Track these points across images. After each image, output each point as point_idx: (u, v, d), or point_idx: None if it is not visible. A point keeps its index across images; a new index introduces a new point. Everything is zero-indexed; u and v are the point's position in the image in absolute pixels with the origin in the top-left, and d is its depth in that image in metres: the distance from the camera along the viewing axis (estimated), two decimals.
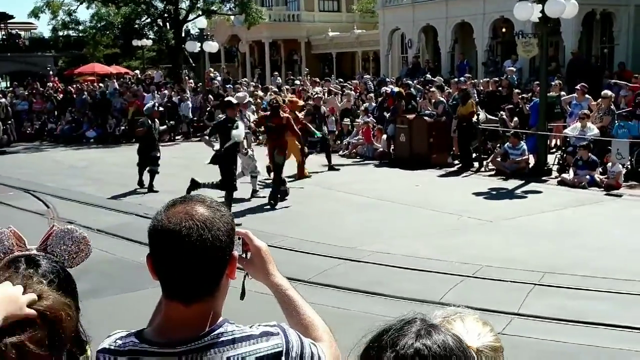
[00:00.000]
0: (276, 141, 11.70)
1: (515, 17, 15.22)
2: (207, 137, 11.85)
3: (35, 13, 31.84)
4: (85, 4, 31.64)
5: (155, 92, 24.59)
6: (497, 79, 19.18)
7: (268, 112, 12.41)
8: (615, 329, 5.96)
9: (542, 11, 13.35)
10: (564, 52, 23.12)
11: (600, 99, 14.56)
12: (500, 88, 17.67)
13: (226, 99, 12.36)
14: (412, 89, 18.23)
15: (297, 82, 25.89)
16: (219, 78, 28.73)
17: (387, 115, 17.26)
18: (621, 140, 12.84)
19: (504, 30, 26.25)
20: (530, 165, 14.03)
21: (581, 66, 20.58)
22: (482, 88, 19.10)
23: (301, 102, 15.48)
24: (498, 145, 15.14)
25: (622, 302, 6.62)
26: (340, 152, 17.74)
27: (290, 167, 13.29)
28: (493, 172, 14.27)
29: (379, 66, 31.95)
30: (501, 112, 15.57)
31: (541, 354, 5.62)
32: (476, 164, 14.99)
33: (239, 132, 10.81)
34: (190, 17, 31.36)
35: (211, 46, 24.23)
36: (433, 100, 16.72)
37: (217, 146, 11.04)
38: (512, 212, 10.68)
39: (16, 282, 1.54)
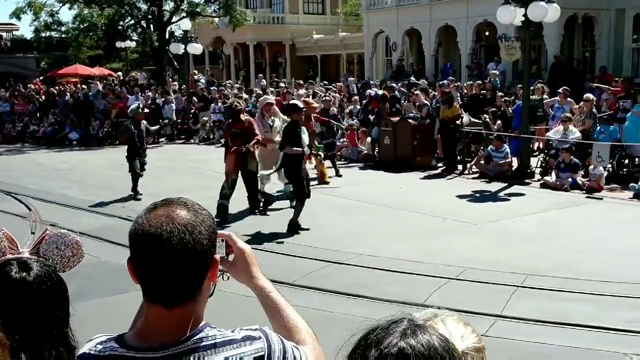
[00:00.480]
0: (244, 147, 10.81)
1: (498, 20, 15.33)
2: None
3: (17, 14, 31.55)
4: (67, 5, 31.41)
5: (139, 94, 24.46)
6: (480, 82, 19.30)
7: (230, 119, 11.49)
8: (598, 330, 6.01)
9: (525, 15, 13.45)
10: (547, 55, 23.34)
11: (582, 103, 14.68)
12: (483, 91, 17.79)
13: (292, 102, 11.31)
14: (396, 92, 18.28)
15: (282, 84, 25.88)
16: (203, 80, 28.64)
17: (371, 118, 17.30)
18: (602, 144, 12.96)
19: (487, 33, 26.44)
20: (513, 168, 14.13)
21: (563, 70, 20.78)
22: (465, 91, 19.21)
23: (316, 104, 14.79)
24: (481, 148, 15.23)
25: (604, 304, 6.67)
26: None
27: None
28: (476, 175, 14.35)
29: (364, 69, 32.05)
30: (485, 115, 15.67)
31: (524, 356, 5.65)
32: (460, 167, 15.07)
33: (306, 137, 10.12)
34: (174, 19, 31.24)
35: (195, 48, 24.16)
36: (417, 103, 16.77)
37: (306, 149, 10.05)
38: (495, 215, 10.74)
39: None
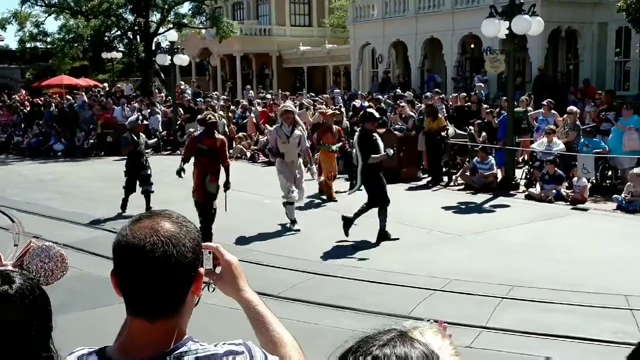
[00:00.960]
0: (209, 167, 9.86)
1: (483, 33, 15.47)
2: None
3: (1, 24, 31.33)
4: (53, 15, 31.28)
5: (125, 105, 24.38)
6: (465, 94, 19.43)
7: (199, 132, 10.74)
8: (582, 341, 6.03)
9: (509, 28, 13.60)
10: (531, 68, 23.53)
11: (565, 115, 14.83)
12: (469, 103, 17.90)
13: (368, 110, 10.66)
14: (382, 104, 18.35)
15: (269, 96, 25.90)
16: (189, 91, 28.60)
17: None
18: (587, 155, 13.09)
19: (472, 46, 26.63)
20: (498, 180, 14.21)
21: (547, 82, 20.98)
22: (451, 103, 19.33)
23: (330, 111, 14.58)
24: (467, 159, 15.31)
25: (588, 315, 6.71)
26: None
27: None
28: (462, 187, 14.41)
29: (350, 80, 32.16)
30: (470, 127, 15.76)
31: None
32: (445, 179, 15.13)
33: (381, 142, 9.93)
34: (161, 30, 31.21)
35: (182, 59, 24.13)
36: (403, 115, 16.85)
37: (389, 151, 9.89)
38: (480, 226, 10.78)
39: None
